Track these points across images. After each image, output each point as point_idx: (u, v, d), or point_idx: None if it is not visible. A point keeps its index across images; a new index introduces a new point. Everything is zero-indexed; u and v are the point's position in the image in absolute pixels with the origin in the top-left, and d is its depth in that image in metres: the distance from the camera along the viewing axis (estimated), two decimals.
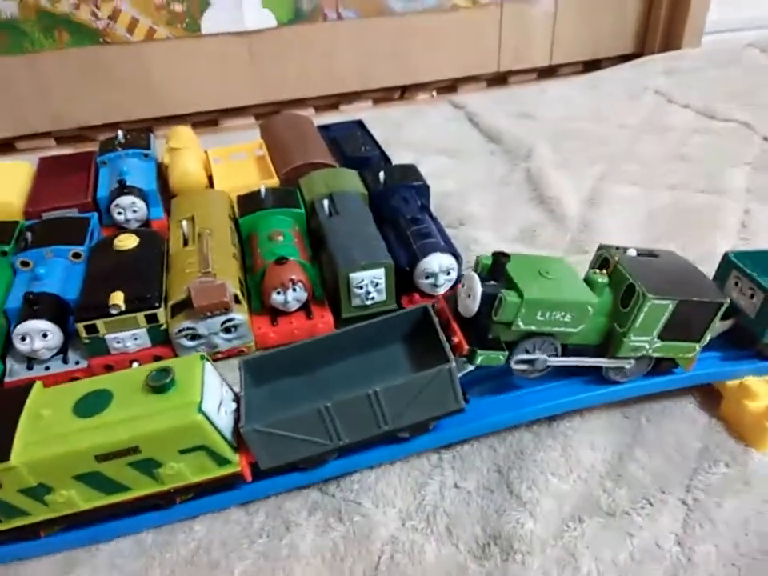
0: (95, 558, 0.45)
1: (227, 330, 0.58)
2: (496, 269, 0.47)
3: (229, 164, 0.82)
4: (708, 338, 0.50)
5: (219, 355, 0.59)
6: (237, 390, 0.47)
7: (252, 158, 0.84)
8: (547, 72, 1.34)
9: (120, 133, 0.82)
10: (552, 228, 0.79)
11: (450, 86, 1.28)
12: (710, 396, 0.55)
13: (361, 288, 0.60)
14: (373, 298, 0.61)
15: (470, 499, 0.48)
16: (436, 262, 0.62)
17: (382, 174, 0.73)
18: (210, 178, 0.79)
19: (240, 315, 0.57)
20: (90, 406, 0.42)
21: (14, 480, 0.40)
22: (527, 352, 0.48)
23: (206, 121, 1.14)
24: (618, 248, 0.51)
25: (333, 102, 1.21)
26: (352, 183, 0.73)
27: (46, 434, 0.41)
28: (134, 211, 0.72)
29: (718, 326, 0.52)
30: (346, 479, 0.49)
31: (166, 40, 1.00)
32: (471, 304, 0.46)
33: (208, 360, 0.45)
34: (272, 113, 1.16)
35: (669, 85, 1.17)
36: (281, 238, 0.63)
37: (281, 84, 1.13)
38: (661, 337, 0.48)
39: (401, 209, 0.68)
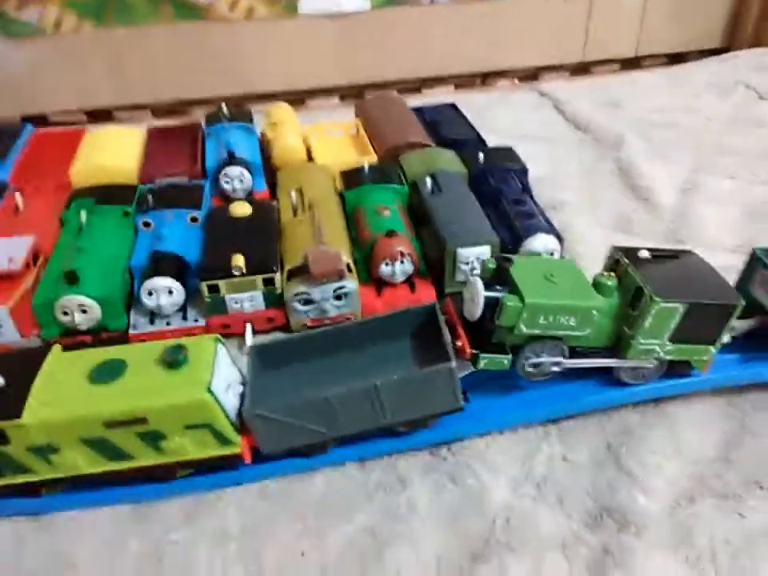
0: (221, 502, 0.48)
1: (338, 297, 0.60)
2: (500, 273, 0.47)
3: (326, 140, 0.84)
4: (725, 339, 0.49)
5: (327, 321, 0.61)
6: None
7: (348, 136, 0.86)
8: (631, 63, 1.32)
9: (224, 106, 0.85)
10: (647, 217, 0.79)
11: (531, 75, 1.28)
12: None
13: (466, 264, 0.61)
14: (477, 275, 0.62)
15: (579, 471, 0.49)
16: (540, 242, 0.62)
17: (481, 155, 0.74)
18: (309, 153, 0.81)
19: (351, 283, 0.60)
20: (105, 373, 0.43)
21: (23, 437, 0.42)
22: (533, 355, 0.48)
23: (293, 99, 1.16)
24: (630, 249, 0.50)
25: (415, 85, 1.23)
26: (452, 163, 0.74)
27: (59, 396, 0.42)
28: (241, 181, 0.74)
29: (739, 326, 0.51)
30: (456, 444, 0.51)
31: (264, 19, 1.03)
32: (474, 308, 0.47)
33: (222, 342, 0.47)
34: (357, 94, 1.18)
35: (759, 80, 1.14)
36: (387, 213, 0.65)
37: (367, 66, 1.15)
38: (672, 339, 0.48)
39: (502, 189, 0.69)
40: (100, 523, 0.46)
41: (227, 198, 0.74)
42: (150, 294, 0.58)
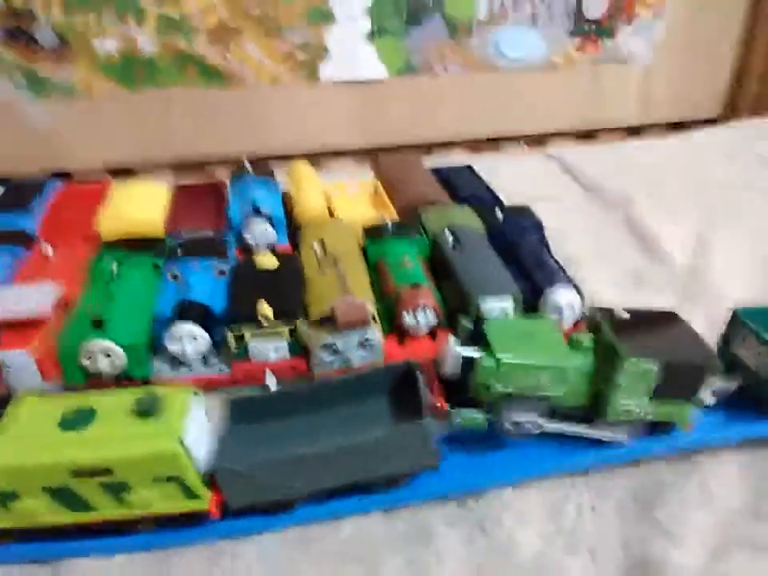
0: (239, 549, 0.47)
1: (362, 347, 0.60)
2: (477, 332, 0.49)
3: (346, 198, 0.87)
4: (709, 401, 0.49)
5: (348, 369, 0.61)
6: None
7: (366, 194, 0.89)
8: (634, 131, 1.37)
9: (246, 162, 0.88)
10: (658, 274, 0.81)
11: (538, 139, 1.32)
12: None
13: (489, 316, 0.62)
14: None
15: (609, 523, 0.48)
16: (562, 295, 0.63)
17: (498, 212, 0.76)
18: (329, 211, 0.84)
19: (376, 333, 0.60)
20: (75, 420, 0.43)
21: None
22: (513, 413, 0.48)
23: (309, 161, 1.20)
24: (605, 310, 0.52)
25: (426, 148, 1.27)
26: (470, 219, 0.76)
27: (26, 442, 0.42)
28: (265, 236, 0.76)
29: (723, 386, 0.51)
30: (483, 494, 0.50)
31: (286, 85, 1.08)
32: (451, 366, 0.48)
33: (197, 394, 0.47)
34: (370, 156, 1.22)
35: (765, 147, 1.19)
36: (411, 265, 0.67)
37: (381, 129, 1.19)
38: (651, 399, 0.48)
39: (521, 245, 0.71)
40: (113, 571, 0.45)
41: (250, 252, 0.75)
42: (175, 340, 0.59)
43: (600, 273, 0.81)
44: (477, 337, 0.49)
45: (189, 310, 0.60)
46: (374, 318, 0.61)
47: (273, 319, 0.59)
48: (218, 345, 0.61)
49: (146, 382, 0.59)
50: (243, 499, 0.46)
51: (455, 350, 0.48)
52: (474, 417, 0.48)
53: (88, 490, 0.42)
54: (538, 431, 0.49)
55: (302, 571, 0.45)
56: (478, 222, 0.76)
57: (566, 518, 0.49)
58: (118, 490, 0.42)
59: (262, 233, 0.76)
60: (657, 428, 0.51)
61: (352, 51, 1.08)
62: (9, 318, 0.56)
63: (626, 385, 0.47)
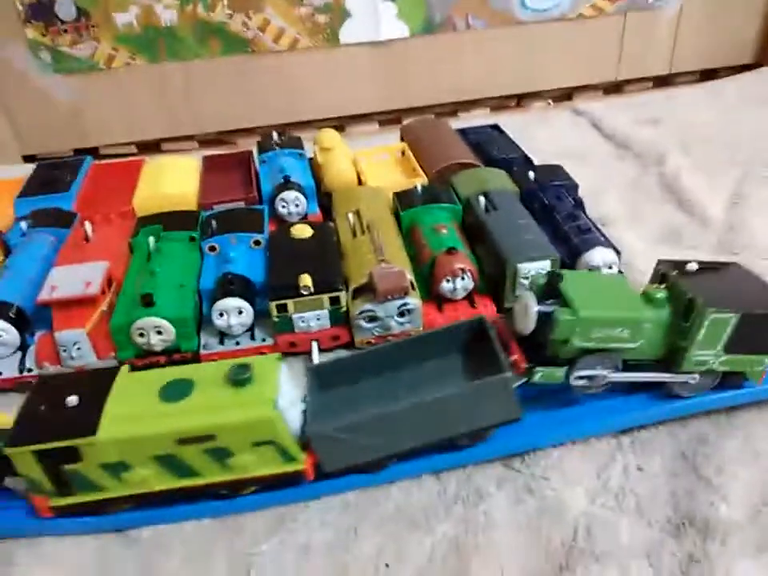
0: (302, 515, 0.49)
1: (402, 314, 0.61)
2: (551, 287, 0.48)
3: (375, 164, 0.86)
4: None
5: (390, 338, 0.62)
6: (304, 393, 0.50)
7: (395, 159, 0.88)
8: (663, 81, 1.33)
9: (275, 134, 0.88)
10: (695, 230, 0.80)
11: (565, 95, 1.30)
12: None
13: (527, 279, 0.62)
14: None
15: (656, 481, 0.49)
16: (599, 256, 0.63)
17: (531, 173, 0.75)
18: (359, 177, 0.83)
19: (415, 300, 0.61)
20: (174, 392, 0.45)
21: (96, 454, 0.43)
22: (587, 368, 0.48)
23: (333, 126, 1.19)
24: (678, 262, 0.51)
25: (451, 109, 1.25)
26: (503, 181, 0.75)
27: (132, 414, 0.44)
28: (297, 205, 0.76)
29: None
30: (530, 455, 0.52)
31: (307, 49, 1.06)
32: (527, 323, 0.48)
33: (283, 361, 0.48)
34: (395, 119, 1.21)
35: None
36: (445, 231, 0.67)
37: (406, 91, 1.17)
38: (726, 350, 0.48)
39: (555, 205, 0.71)
40: (185, 537, 0.48)
41: (283, 222, 0.76)
42: (221, 314, 0.60)
43: (635, 230, 0.80)
44: (550, 293, 0.48)
45: (232, 283, 0.61)
46: (412, 285, 0.62)
47: (314, 289, 0.60)
48: (260, 316, 0.62)
49: (195, 354, 0.61)
50: (337, 461, 0.47)
51: (533, 306, 0.48)
52: (553, 372, 0.49)
53: (193, 456, 0.44)
54: (611, 383, 0.50)
55: (363, 536, 0.47)
56: (511, 183, 0.75)
57: (612, 477, 0.49)
58: (220, 456, 0.45)
59: (293, 202, 0.76)
60: (727, 380, 0.51)
61: (372, 10, 1.05)
62: (62, 298, 0.58)
63: (703, 336, 0.47)
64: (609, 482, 0.49)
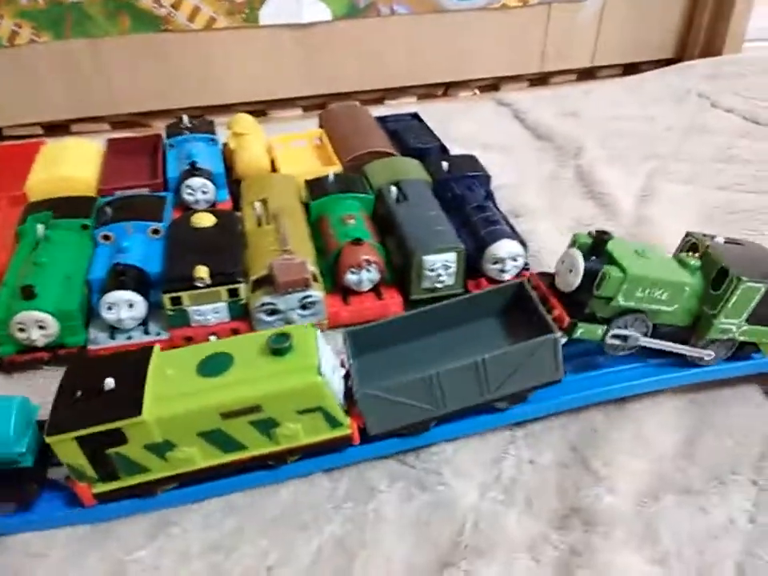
0: (184, 519, 0.47)
1: (304, 307, 0.59)
2: (596, 246, 0.48)
3: (290, 151, 0.84)
4: None
5: None
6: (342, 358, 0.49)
7: (311, 146, 0.86)
8: (587, 74, 1.35)
9: (185, 117, 0.84)
10: (607, 222, 0.81)
11: (492, 85, 1.30)
12: None
13: (432, 271, 0.62)
14: (442, 281, 0.63)
15: (546, 474, 0.49)
16: (504, 248, 0.63)
17: (444, 164, 0.75)
18: (273, 164, 0.81)
19: (317, 292, 0.59)
20: (213, 366, 0.44)
21: (141, 435, 0.42)
22: (624, 328, 0.49)
23: (254, 110, 1.16)
24: (705, 235, 0.53)
25: (378, 96, 1.23)
26: (416, 171, 0.74)
27: (173, 392, 0.43)
28: (204, 192, 0.74)
29: None
30: (424, 451, 0.51)
31: (225, 29, 1.03)
32: (573, 279, 0.48)
33: (318, 329, 0.48)
34: (319, 105, 1.18)
35: (712, 89, 1.18)
36: (353, 221, 0.65)
37: (330, 77, 1.15)
38: (748, 320, 0.50)
39: (466, 196, 0.70)
40: (58, 543, 0.45)
41: (189, 210, 0.73)
42: (110, 308, 0.57)
43: (550, 222, 0.81)
44: (594, 252, 0.49)
45: (123, 275, 0.58)
46: (314, 277, 0.60)
47: (210, 281, 0.57)
48: (155, 309, 0.60)
49: (81, 349, 0.58)
50: (383, 424, 0.47)
51: (580, 263, 0.47)
52: (594, 329, 0.49)
53: (239, 429, 0.44)
54: (636, 346, 0.50)
55: (247, 539, 0.45)
56: (424, 173, 0.74)
57: (505, 471, 0.49)
58: (267, 427, 0.44)
59: (200, 189, 0.74)
60: (739, 351, 0.53)
61: None
62: None
63: (732, 305, 0.49)
64: (500, 475, 0.49)
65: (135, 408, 0.41)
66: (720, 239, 0.53)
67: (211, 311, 0.59)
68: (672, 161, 0.95)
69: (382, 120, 0.90)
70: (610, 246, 0.48)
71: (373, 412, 0.46)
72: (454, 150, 0.89)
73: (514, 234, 0.65)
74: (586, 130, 1.04)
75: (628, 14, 1.26)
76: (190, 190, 0.73)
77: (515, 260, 0.64)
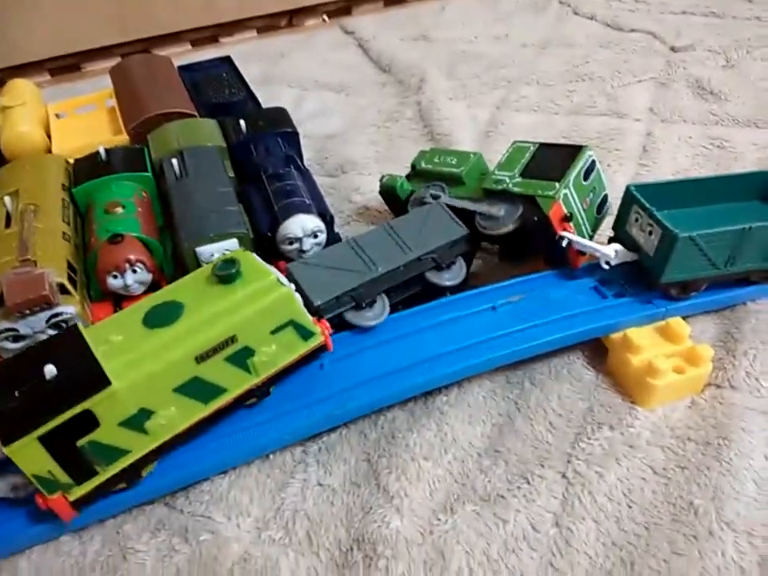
0: None
1: (56, 326, 0.50)
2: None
3: (74, 120, 0.72)
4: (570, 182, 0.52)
5: None
6: None
7: (103, 111, 0.74)
8: None
9: None
10: None
11: (343, 8, 1.16)
12: (597, 351, 0.51)
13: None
14: None
15: (334, 497, 0.43)
16: (298, 225, 0.54)
17: (243, 123, 0.64)
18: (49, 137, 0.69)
19: (70, 308, 0.49)
20: (163, 317, 0.40)
21: (115, 410, 0.38)
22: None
23: (66, 66, 1.01)
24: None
25: (212, 34, 1.09)
26: (209, 136, 0.63)
27: (135, 354, 0.39)
28: None
29: (622, 253, 0.51)
30: (195, 489, 0.44)
31: None
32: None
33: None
34: (144, 52, 1.03)
35: None
36: (119, 210, 0.55)
37: (149, 18, 1.00)
38: (522, 175, 0.54)
39: (263, 163, 0.60)
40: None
41: None
42: None
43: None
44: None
45: None
46: (64, 289, 0.50)
47: None
48: None
49: None
50: (324, 292, 0.48)
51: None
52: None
53: (216, 371, 0.41)
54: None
55: None
56: (218, 138, 0.63)
57: (288, 499, 0.43)
58: (243, 357, 0.42)
59: None
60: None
61: None
62: None
63: (505, 159, 0.57)
64: (282, 507, 0.43)
65: (100, 381, 0.37)
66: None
67: None
68: (522, 84, 0.86)
69: (186, 69, 0.78)
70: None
71: (311, 282, 0.47)
72: (288, 94, 0.79)
73: (314, 206, 0.56)
74: (434, 56, 0.94)
75: None
76: None
77: (315, 237, 0.55)
